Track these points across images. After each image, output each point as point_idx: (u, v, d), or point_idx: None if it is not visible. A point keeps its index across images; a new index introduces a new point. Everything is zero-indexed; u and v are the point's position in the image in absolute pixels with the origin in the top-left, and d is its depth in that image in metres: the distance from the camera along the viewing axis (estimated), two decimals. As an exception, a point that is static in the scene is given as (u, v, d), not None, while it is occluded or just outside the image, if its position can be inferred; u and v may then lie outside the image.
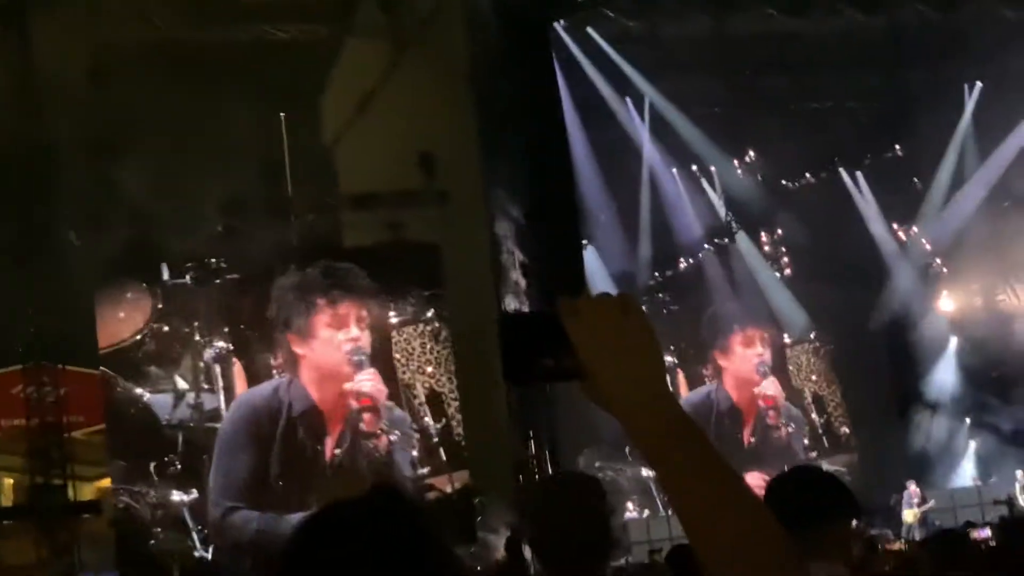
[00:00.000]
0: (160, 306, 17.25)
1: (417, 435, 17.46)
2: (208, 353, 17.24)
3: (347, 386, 17.07)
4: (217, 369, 17.22)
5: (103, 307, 17.09)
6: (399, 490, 1.70)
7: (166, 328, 17.24)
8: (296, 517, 16.04)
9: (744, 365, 20.83)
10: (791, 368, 22.13)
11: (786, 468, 3.98)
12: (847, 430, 21.83)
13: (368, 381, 17.10)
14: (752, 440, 20.73)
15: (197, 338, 17.28)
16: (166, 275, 17.33)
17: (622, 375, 1.65)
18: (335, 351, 17.15)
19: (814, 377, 22.15)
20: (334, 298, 17.29)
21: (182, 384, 17.14)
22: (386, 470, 16.82)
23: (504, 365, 1.69)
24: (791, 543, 1.64)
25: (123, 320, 17.12)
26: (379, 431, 17.09)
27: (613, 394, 1.65)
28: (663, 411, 1.65)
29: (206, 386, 17.17)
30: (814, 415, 21.92)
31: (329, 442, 17.01)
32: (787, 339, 22.07)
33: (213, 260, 17.42)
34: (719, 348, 20.80)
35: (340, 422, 17.08)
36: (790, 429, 20.95)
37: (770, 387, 20.80)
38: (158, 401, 16.96)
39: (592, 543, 2.97)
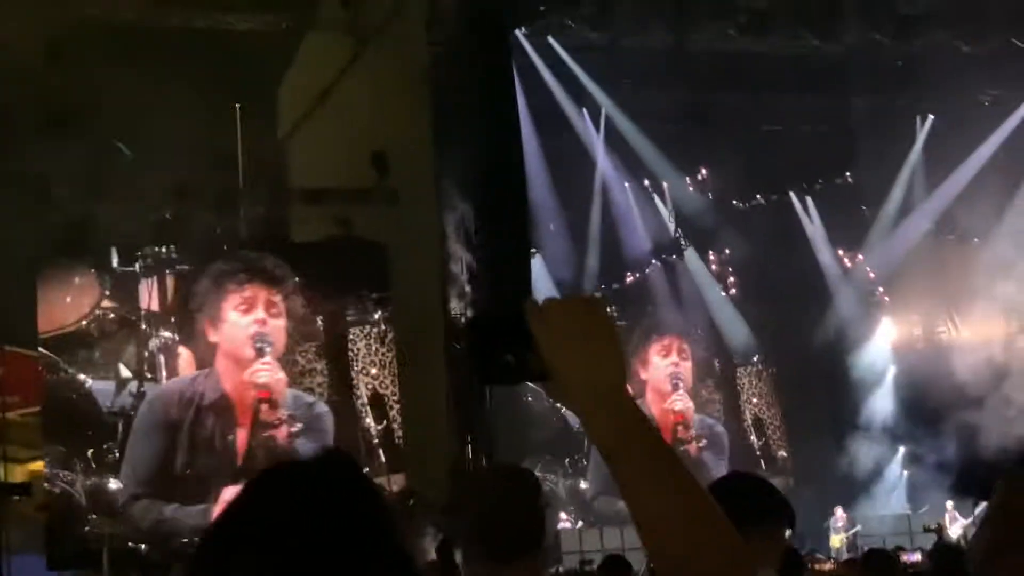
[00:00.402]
0: (107, 292, 17.09)
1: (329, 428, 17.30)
2: (153, 342, 17.09)
3: (246, 375, 16.84)
4: (161, 358, 17.06)
5: (47, 289, 16.92)
6: (350, 455, 1.69)
7: (112, 315, 17.09)
8: (198, 509, 16.14)
9: (659, 376, 20.74)
10: (726, 391, 22.18)
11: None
12: (784, 453, 21.90)
13: (264, 371, 16.85)
14: None
15: (143, 326, 17.13)
16: (115, 261, 17.19)
17: (583, 374, 1.67)
18: (240, 334, 16.96)
19: (755, 399, 22.20)
20: (241, 281, 17.13)
21: (125, 372, 17.00)
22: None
23: (473, 364, 1.70)
24: (746, 546, 1.65)
25: (69, 304, 16.96)
26: (277, 420, 16.90)
27: (574, 393, 1.67)
28: (621, 411, 1.67)
29: (149, 375, 17.01)
30: (752, 437, 21.97)
31: (241, 433, 16.84)
32: (733, 360, 22.14)
33: (163, 249, 17.28)
34: (639, 359, 20.65)
35: (250, 414, 16.92)
36: (701, 444, 20.81)
37: (679, 402, 20.66)
38: (100, 388, 16.79)
39: (526, 533, 2.95)
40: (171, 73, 16.68)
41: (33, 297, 16.60)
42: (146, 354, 17.08)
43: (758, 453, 21.93)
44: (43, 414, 16.60)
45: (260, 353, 16.91)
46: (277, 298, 17.28)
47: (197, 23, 18.45)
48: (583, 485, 19.51)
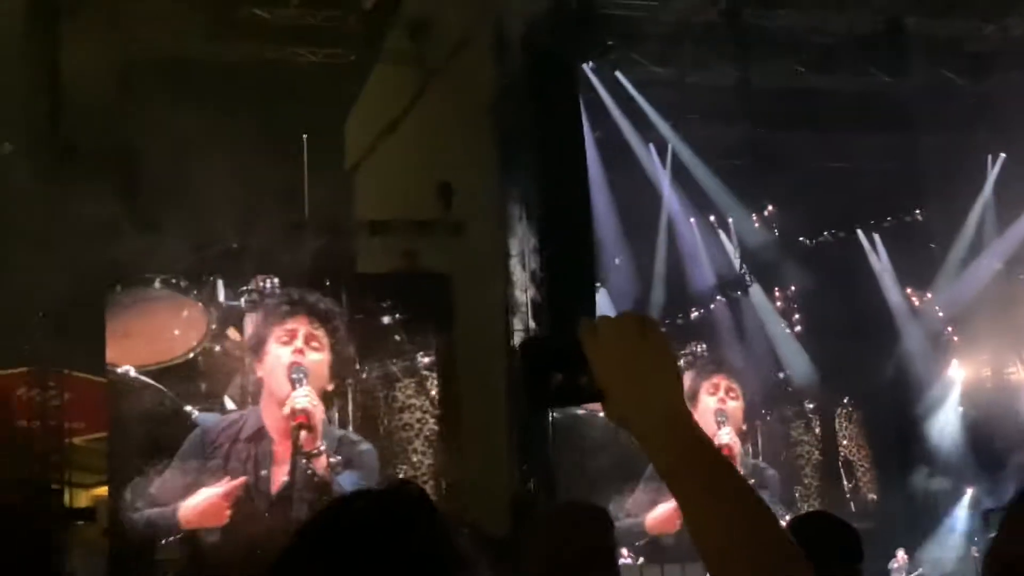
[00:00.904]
0: (214, 326, 17.26)
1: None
2: (254, 376, 17.26)
3: (285, 404, 16.83)
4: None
5: (156, 322, 17.12)
6: (421, 490, 1.67)
7: (218, 348, 17.25)
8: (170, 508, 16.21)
9: (705, 415, 20.56)
10: (820, 431, 22.03)
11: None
12: (874, 496, 21.74)
13: (303, 397, 16.79)
14: None
15: (247, 360, 17.26)
16: (221, 295, 17.36)
17: (639, 395, 1.63)
18: (279, 368, 17.01)
19: (845, 442, 22.08)
20: (285, 314, 17.22)
21: (230, 404, 17.16)
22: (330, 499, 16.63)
23: (524, 388, 1.68)
24: (809, 568, 1.61)
25: (177, 337, 17.18)
26: (317, 450, 16.90)
27: (630, 414, 1.64)
28: (680, 431, 1.63)
29: (253, 406, 17.18)
30: (844, 480, 21.83)
31: (278, 468, 16.85)
32: (823, 401, 22.01)
33: (266, 284, 17.42)
34: (689, 397, 20.55)
35: (288, 448, 16.86)
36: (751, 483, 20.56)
37: (725, 436, 20.46)
38: (205, 420, 16.95)
39: (597, 570, 2.92)
40: (238, 106, 16.86)
41: (101, 323, 16.76)
42: (250, 387, 17.21)
43: (848, 496, 21.78)
44: (150, 443, 16.64)
45: (296, 384, 16.93)
46: (320, 332, 17.32)
47: (265, 55, 18.65)
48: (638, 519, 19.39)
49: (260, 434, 16.96)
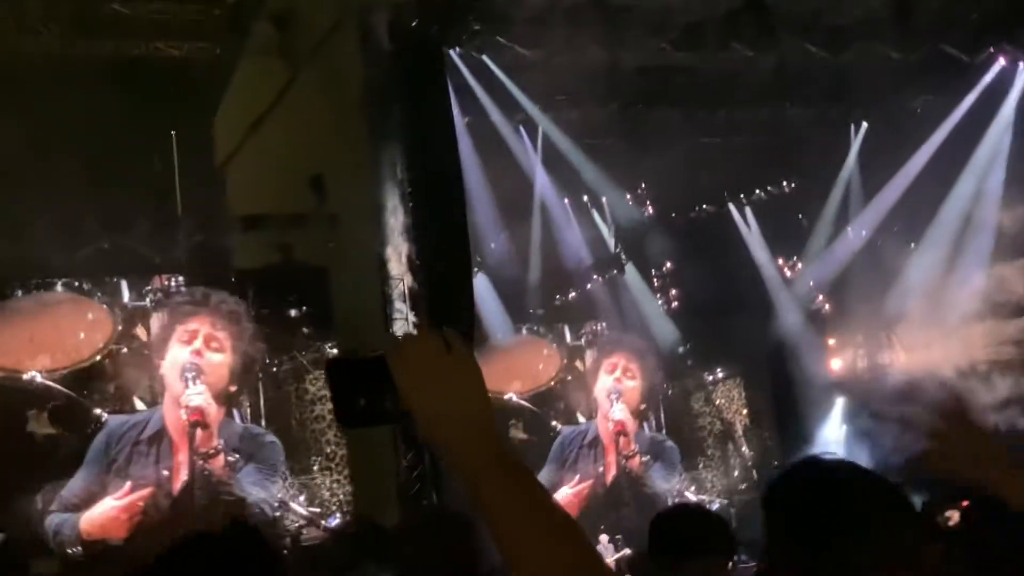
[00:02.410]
0: (119, 327, 17.06)
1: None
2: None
3: (180, 400, 16.80)
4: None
5: (60, 326, 16.83)
6: (254, 530, 1.66)
7: (124, 349, 17.03)
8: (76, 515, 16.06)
9: (601, 392, 20.88)
10: (720, 401, 22.37)
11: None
12: (775, 463, 22.08)
13: (197, 395, 16.77)
14: (612, 473, 20.68)
15: (155, 359, 17.07)
16: (126, 296, 17.11)
17: (444, 411, 1.63)
18: (176, 367, 16.98)
19: (744, 411, 22.43)
20: (187, 314, 17.18)
21: (140, 405, 16.94)
22: (229, 499, 16.64)
23: (334, 409, 1.67)
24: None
25: (83, 340, 16.93)
26: (214, 449, 16.83)
27: (436, 430, 1.64)
28: (484, 445, 1.63)
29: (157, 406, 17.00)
30: (744, 448, 22.16)
31: (178, 466, 16.74)
32: (720, 373, 22.33)
33: (170, 282, 17.22)
34: (591, 373, 20.92)
35: (187, 448, 16.82)
36: (645, 459, 20.91)
37: (619, 412, 20.79)
38: (115, 422, 16.75)
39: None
40: (103, 102, 16.56)
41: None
42: (159, 387, 17.03)
43: (750, 463, 22.11)
44: (61, 447, 16.41)
45: (188, 382, 16.83)
46: (222, 333, 17.21)
47: (128, 50, 18.34)
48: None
49: (160, 435, 16.82)
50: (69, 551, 16.11)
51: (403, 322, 17.35)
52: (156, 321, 17.16)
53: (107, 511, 16.34)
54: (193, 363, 16.96)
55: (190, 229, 18.40)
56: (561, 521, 1.63)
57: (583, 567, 1.62)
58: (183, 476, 16.66)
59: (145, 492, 16.40)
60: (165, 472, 16.58)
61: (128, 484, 16.53)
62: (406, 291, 17.24)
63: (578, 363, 20.95)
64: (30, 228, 16.93)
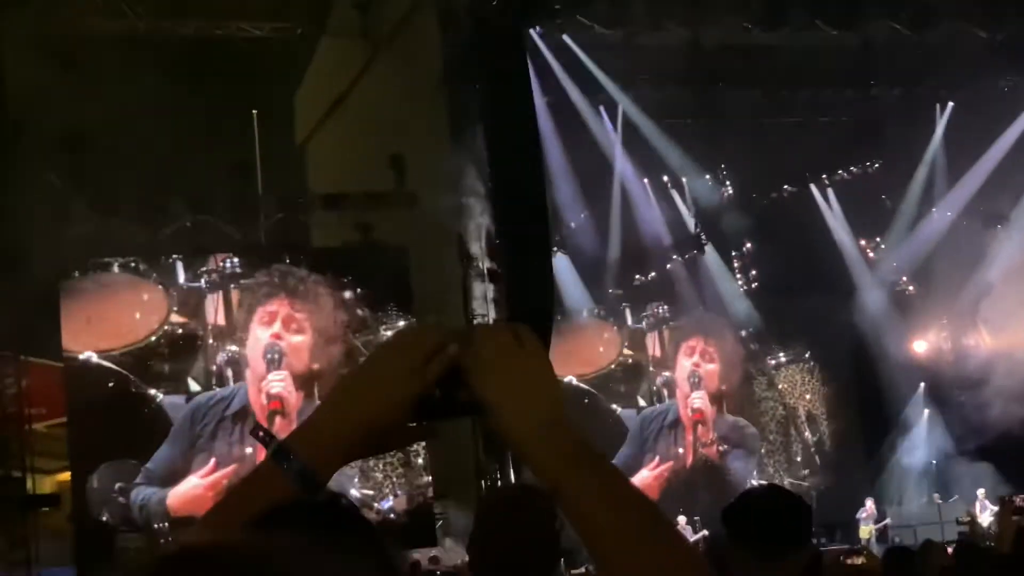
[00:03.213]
0: (175, 308, 17.29)
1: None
2: (220, 356, 17.33)
3: (262, 385, 16.90)
4: (229, 372, 17.25)
5: (116, 306, 17.04)
6: (346, 500, 1.64)
7: (180, 330, 17.23)
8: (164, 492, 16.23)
9: (682, 376, 20.84)
10: (783, 386, 22.21)
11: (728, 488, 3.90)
12: (838, 449, 21.96)
13: (278, 382, 16.95)
14: (691, 456, 20.67)
15: (210, 341, 17.25)
16: (181, 277, 17.29)
17: (517, 406, 1.60)
18: (258, 349, 17.18)
19: (808, 396, 22.25)
20: (267, 295, 17.32)
21: (195, 386, 17.12)
22: None
23: None
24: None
25: (138, 321, 17.15)
26: None
27: (510, 426, 1.61)
28: (559, 441, 1.60)
29: (217, 388, 17.22)
30: (807, 434, 22.01)
31: (260, 451, 16.78)
32: (783, 357, 22.17)
33: (226, 263, 17.34)
34: (669, 358, 20.90)
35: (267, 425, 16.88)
36: (723, 448, 20.83)
37: (697, 400, 20.71)
38: (170, 402, 17.02)
39: (536, 558, 2.91)
40: (186, 82, 16.72)
41: (56, 310, 16.64)
42: (214, 367, 17.24)
43: (812, 450, 21.97)
44: (113, 428, 16.60)
45: (271, 365, 16.94)
46: (300, 315, 17.32)
47: (211, 31, 18.50)
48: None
49: (244, 412, 17.01)
50: (156, 526, 16.32)
51: (482, 301, 17.38)
52: (211, 302, 17.25)
53: (193, 488, 16.54)
54: (275, 345, 17.08)
55: (270, 207, 18.52)
56: (651, 517, 1.59)
57: (678, 566, 1.58)
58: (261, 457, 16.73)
59: (229, 470, 16.54)
60: (249, 450, 16.72)
61: (213, 461, 16.70)
62: (484, 270, 17.26)
63: (639, 346, 20.98)
64: (117, 205, 17.13)
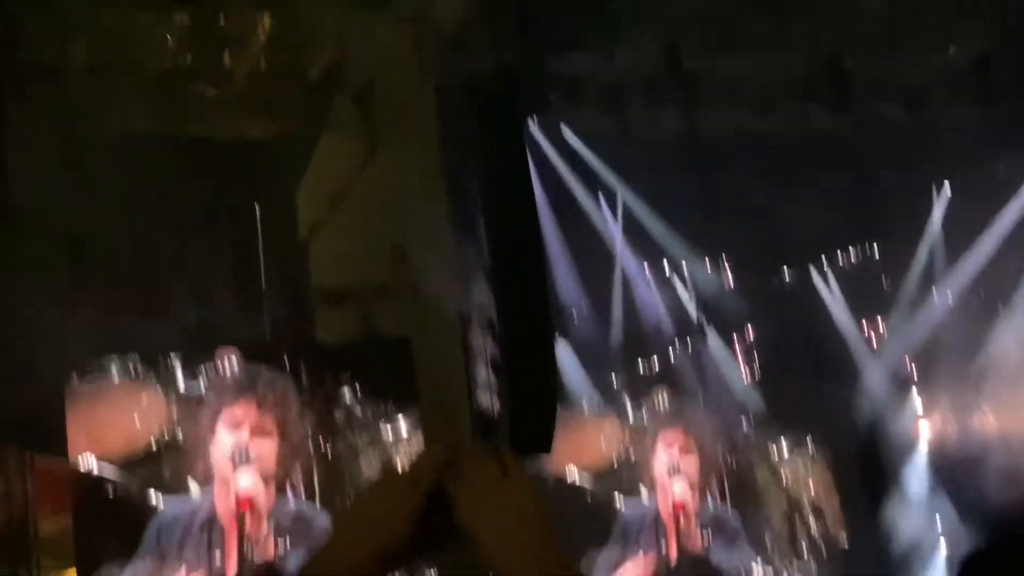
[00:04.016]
0: (175, 410, 17.11)
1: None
2: None
3: (231, 487, 16.47)
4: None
5: (116, 411, 16.97)
6: None
7: (179, 433, 17.10)
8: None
9: (659, 468, 20.49)
10: (787, 476, 21.99)
11: None
12: (845, 540, 21.72)
13: (247, 481, 16.39)
14: (675, 549, 20.38)
15: (202, 443, 17.15)
16: (180, 380, 17.21)
17: (507, 540, 1.60)
18: (225, 451, 16.66)
19: (813, 485, 22.05)
20: (232, 399, 16.94)
21: (195, 488, 16.99)
22: None
23: None
24: None
25: (138, 427, 17.03)
26: (263, 536, 16.65)
27: (498, 559, 1.61)
28: (556, 571, 1.60)
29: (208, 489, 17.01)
30: (812, 524, 21.79)
31: (229, 559, 16.62)
32: (786, 445, 21.98)
33: (227, 363, 17.29)
34: (647, 450, 20.55)
35: (236, 533, 16.44)
36: (707, 532, 20.55)
37: (679, 490, 20.40)
38: (166, 510, 16.64)
39: None
40: (188, 180, 16.86)
41: (62, 407, 16.61)
42: (208, 470, 17.08)
43: (819, 541, 21.75)
44: (116, 531, 16.38)
45: (238, 467, 16.71)
46: (268, 417, 17.15)
47: (211, 131, 18.68)
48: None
49: (212, 520, 16.73)
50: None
51: (485, 391, 17.37)
52: (202, 404, 17.18)
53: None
54: (242, 449, 16.88)
55: (274, 304, 18.58)
56: None
57: None
58: (234, 562, 16.54)
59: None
60: (217, 562, 16.53)
61: (183, 569, 16.54)
62: (488, 360, 17.27)
63: (641, 439, 20.40)
64: (116, 302, 17.18)
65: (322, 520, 17.63)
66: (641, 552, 20.13)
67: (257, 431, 17.27)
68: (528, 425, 17.17)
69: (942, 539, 21.62)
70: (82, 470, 16.52)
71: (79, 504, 16.61)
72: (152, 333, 17.56)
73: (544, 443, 17.94)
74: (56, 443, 16.67)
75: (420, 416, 18.01)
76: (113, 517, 16.47)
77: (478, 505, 1.58)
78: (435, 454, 1.60)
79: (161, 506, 16.73)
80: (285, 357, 17.56)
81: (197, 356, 17.35)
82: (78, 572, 16.55)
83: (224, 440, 16.98)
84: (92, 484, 16.65)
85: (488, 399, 17.38)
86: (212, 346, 17.60)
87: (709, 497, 20.81)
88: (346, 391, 17.71)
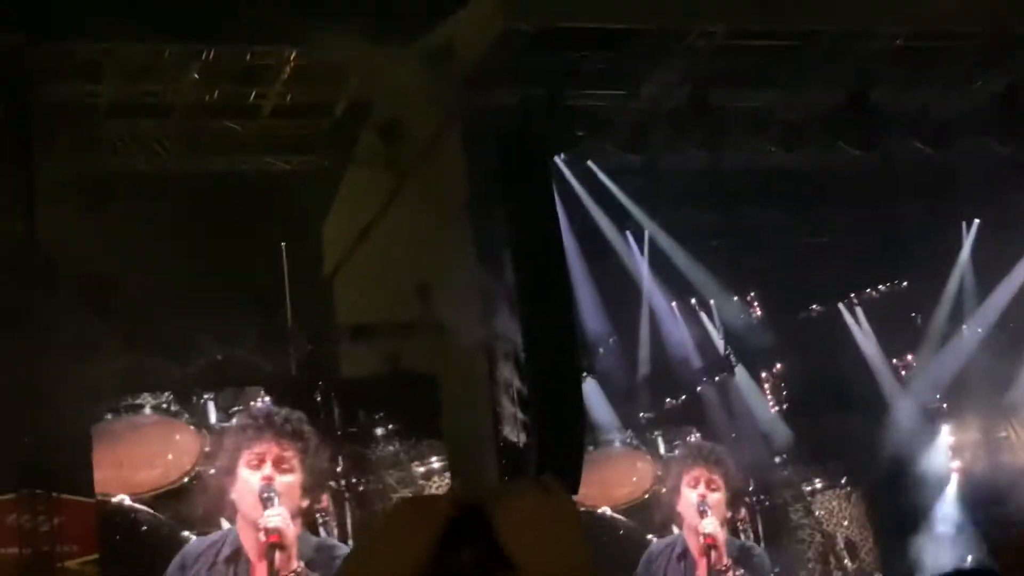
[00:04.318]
0: (207, 449, 17.18)
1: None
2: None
3: (259, 523, 16.74)
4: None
5: (148, 447, 17.05)
6: None
7: (212, 470, 17.15)
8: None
9: (687, 507, 20.43)
10: (820, 513, 21.89)
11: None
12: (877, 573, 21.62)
13: (274, 516, 16.71)
14: None
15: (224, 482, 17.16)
16: (213, 418, 17.27)
17: (550, 565, 1.59)
18: (250, 491, 16.93)
19: (846, 523, 21.93)
20: (252, 437, 17.17)
21: (226, 525, 17.01)
22: None
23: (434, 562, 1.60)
24: None
25: (170, 462, 17.08)
26: (294, 573, 16.71)
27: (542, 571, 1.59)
28: None
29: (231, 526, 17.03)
30: (847, 561, 21.67)
31: None
32: (818, 483, 21.88)
33: (257, 402, 17.33)
34: (673, 489, 20.53)
35: (265, 569, 16.71)
36: (739, 572, 20.47)
37: (710, 525, 20.39)
38: (191, 545, 16.82)
39: None
40: (214, 216, 16.90)
41: (88, 446, 16.64)
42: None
43: (852, 576, 21.67)
44: (147, 570, 16.49)
45: (267, 504, 16.84)
46: (289, 453, 17.22)
47: (239, 166, 18.75)
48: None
49: (237, 555, 16.82)
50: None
51: (512, 427, 17.31)
52: (224, 444, 17.21)
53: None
54: (268, 485, 16.96)
55: (300, 340, 18.56)
56: None
57: None
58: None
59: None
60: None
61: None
62: (515, 396, 17.22)
63: (668, 475, 20.59)
64: (147, 342, 17.20)
65: (342, 550, 17.62)
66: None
67: (280, 468, 17.44)
68: (555, 460, 17.14)
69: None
70: (108, 508, 16.61)
71: (106, 543, 16.66)
72: (178, 370, 17.58)
73: (571, 478, 17.90)
74: (83, 481, 16.69)
75: (447, 451, 18.00)
76: (144, 558, 16.58)
77: (523, 535, 1.56)
78: (454, 488, 1.58)
79: (186, 542, 16.82)
80: (316, 395, 17.63)
81: (223, 393, 17.41)
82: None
83: (247, 479, 17.21)
84: (118, 522, 16.71)
85: (515, 434, 17.33)
86: (237, 383, 17.65)
87: (740, 533, 20.78)
88: (378, 429, 17.76)
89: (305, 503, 17.19)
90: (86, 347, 16.93)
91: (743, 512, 20.92)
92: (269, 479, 17.01)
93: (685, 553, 20.36)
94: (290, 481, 17.16)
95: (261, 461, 17.13)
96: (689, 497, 20.56)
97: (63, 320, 16.54)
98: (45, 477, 16.20)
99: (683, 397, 21.50)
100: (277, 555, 16.67)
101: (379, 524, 1.62)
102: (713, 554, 20.34)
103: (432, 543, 1.55)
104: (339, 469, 17.55)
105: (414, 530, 1.57)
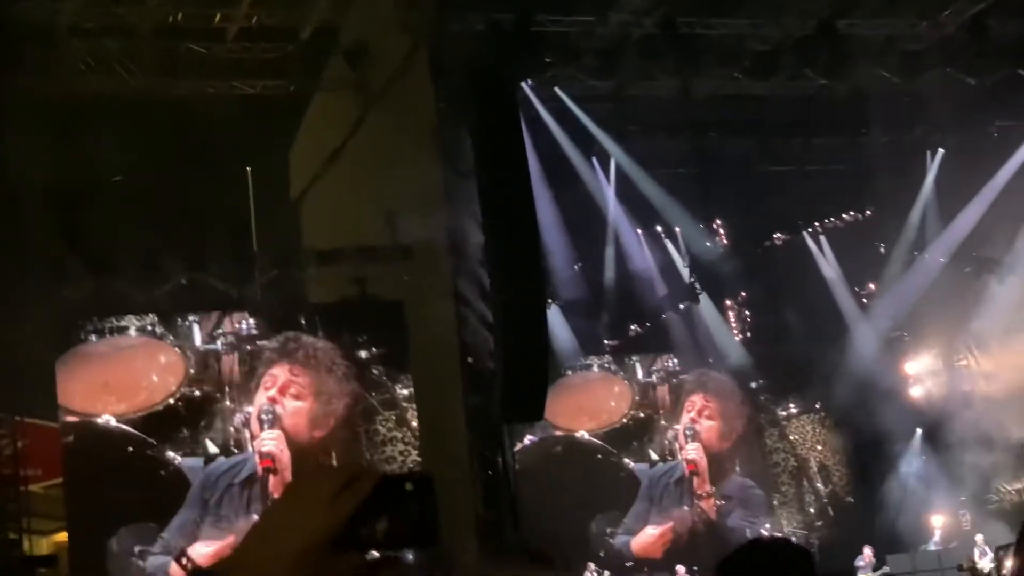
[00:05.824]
0: (192, 370, 17.27)
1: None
2: (237, 417, 17.31)
3: (254, 445, 16.97)
4: (246, 433, 17.21)
5: (134, 369, 16.98)
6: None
7: (197, 392, 17.21)
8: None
9: (679, 431, 20.84)
10: (794, 437, 22.13)
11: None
12: (852, 500, 21.87)
13: (269, 440, 16.96)
14: (688, 511, 20.60)
15: (227, 403, 17.23)
16: (197, 339, 17.27)
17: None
18: (257, 410, 17.25)
19: (819, 447, 22.17)
20: (270, 361, 17.36)
21: (212, 448, 17.06)
22: None
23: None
24: None
25: (156, 383, 17.13)
26: None
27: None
28: None
29: (236, 450, 17.21)
30: (819, 484, 21.93)
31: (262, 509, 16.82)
32: (792, 408, 22.08)
33: (242, 324, 17.31)
34: (674, 414, 20.82)
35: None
36: (720, 503, 20.75)
37: (692, 452, 20.65)
38: (189, 465, 17.02)
39: None
40: (180, 140, 16.77)
41: (51, 370, 16.60)
42: (232, 429, 17.21)
43: (825, 500, 21.89)
44: (134, 491, 16.60)
45: (263, 426, 16.97)
46: (301, 379, 17.29)
47: (205, 89, 18.57)
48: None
49: (253, 478, 17.03)
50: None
51: (475, 352, 17.34)
52: (239, 367, 17.26)
53: (200, 557, 16.49)
54: (269, 408, 17.06)
55: (265, 265, 18.49)
56: None
57: None
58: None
59: (230, 540, 16.49)
60: (255, 517, 16.61)
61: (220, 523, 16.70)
62: (481, 322, 17.25)
63: (650, 400, 20.88)
64: (112, 265, 17.12)
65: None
66: (662, 515, 20.30)
67: (288, 393, 17.48)
68: (519, 386, 17.20)
69: (931, 505, 21.71)
70: (79, 430, 16.61)
71: (73, 465, 16.69)
72: (144, 294, 17.51)
73: (536, 405, 17.98)
74: (47, 405, 16.67)
75: (413, 378, 18.05)
76: (126, 479, 16.65)
77: None
78: (339, 470, 1.61)
79: (182, 463, 16.95)
80: (300, 318, 17.66)
81: (183, 324, 17.37)
82: (70, 533, 16.61)
83: (259, 401, 17.20)
84: (107, 446, 16.73)
85: (481, 360, 17.35)
86: (205, 307, 17.61)
87: (727, 461, 21.03)
88: (362, 354, 17.81)
89: (317, 432, 17.36)
90: (52, 270, 16.88)
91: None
92: (273, 400, 17.13)
93: (682, 478, 20.65)
94: (299, 407, 17.32)
95: (273, 383, 17.26)
96: (683, 421, 20.84)
97: (25, 242, 16.46)
98: (8, 400, 16.16)
99: (647, 324, 21.59)
100: (271, 479, 16.86)
101: (283, 494, 1.64)
102: (695, 480, 20.60)
103: (344, 512, 1.56)
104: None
105: (316, 500, 1.58)
